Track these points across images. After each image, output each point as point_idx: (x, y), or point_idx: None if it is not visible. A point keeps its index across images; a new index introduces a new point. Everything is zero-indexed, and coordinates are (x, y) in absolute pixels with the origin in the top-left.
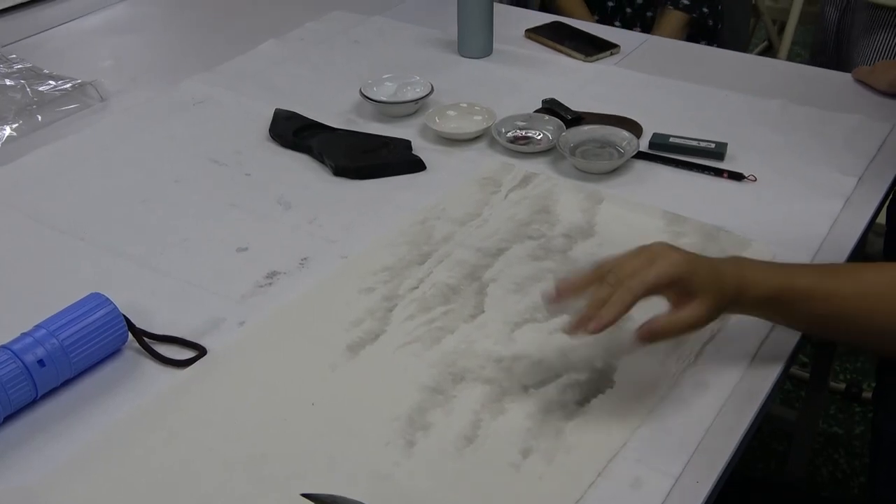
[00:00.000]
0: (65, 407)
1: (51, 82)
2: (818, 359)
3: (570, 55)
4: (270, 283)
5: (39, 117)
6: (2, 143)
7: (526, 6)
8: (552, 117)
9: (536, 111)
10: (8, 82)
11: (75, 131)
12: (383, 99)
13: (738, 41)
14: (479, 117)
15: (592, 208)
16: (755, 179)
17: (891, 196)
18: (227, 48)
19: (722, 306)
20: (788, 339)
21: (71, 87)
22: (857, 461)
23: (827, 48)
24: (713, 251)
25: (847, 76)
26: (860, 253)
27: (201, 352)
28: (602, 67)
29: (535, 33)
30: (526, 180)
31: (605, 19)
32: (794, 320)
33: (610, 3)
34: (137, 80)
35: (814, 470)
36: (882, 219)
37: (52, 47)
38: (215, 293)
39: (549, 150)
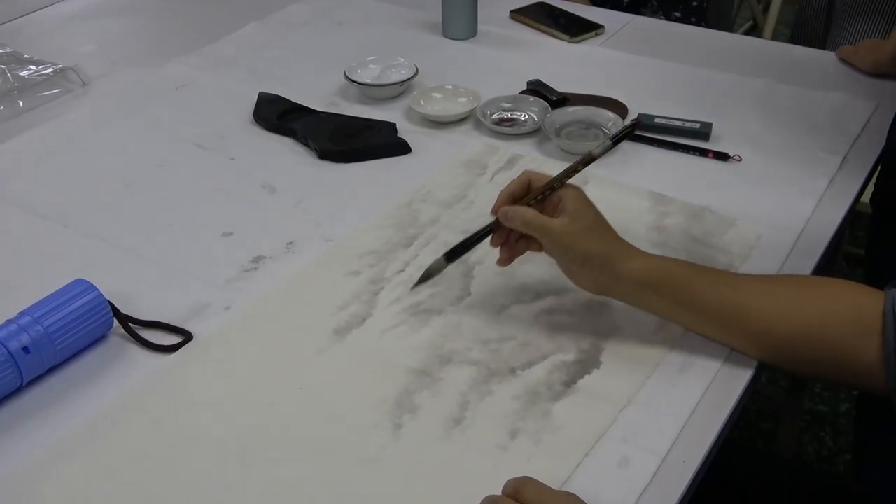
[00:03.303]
0: (50, 394)
1: (32, 67)
2: None
3: (554, 36)
4: (256, 268)
5: (21, 103)
6: None
7: None
8: (537, 99)
9: (521, 93)
10: None
11: (57, 116)
12: (368, 81)
13: (722, 21)
14: (464, 99)
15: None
16: (740, 159)
17: (876, 178)
18: (209, 31)
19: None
20: None
21: (52, 72)
22: (843, 438)
23: (811, 27)
24: (698, 231)
25: (831, 55)
26: (843, 232)
27: (187, 337)
28: (587, 48)
29: (519, 14)
30: (511, 162)
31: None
32: (664, 305)
33: None
34: (119, 65)
35: (800, 448)
36: (867, 197)
37: (32, 32)
38: (201, 278)
39: (534, 132)
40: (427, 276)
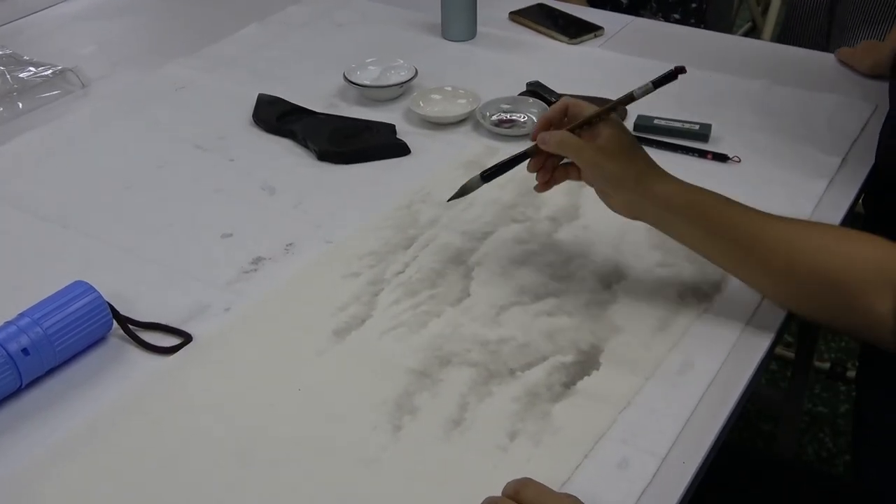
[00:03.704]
0: (50, 395)
1: (31, 69)
2: (803, 338)
3: (553, 38)
4: (256, 269)
5: (20, 104)
6: None
7: None
8: (536, 100)
9: (521, 94)
10: None
11: (57, 118)
12: (367, 83)
13: (721, 22)
14: (464, 101)
15: (577, 191)
16: (739, 160)
17: (868, 183)
18: (209, 32)
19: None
20: (774, 318)
21: (52, 73)
22: (843, 439)
23: (806, 28)
24: None
25: (830, 57)
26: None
27: (187, 338)
28: (586, 49)
29: (519, 16)
30: None
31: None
32: (693, 233)
33: None
34: (119, 66)
35: (800, 448)
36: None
37: (32, 33)
38: (200, 279)
39: None
40: (463, 192)
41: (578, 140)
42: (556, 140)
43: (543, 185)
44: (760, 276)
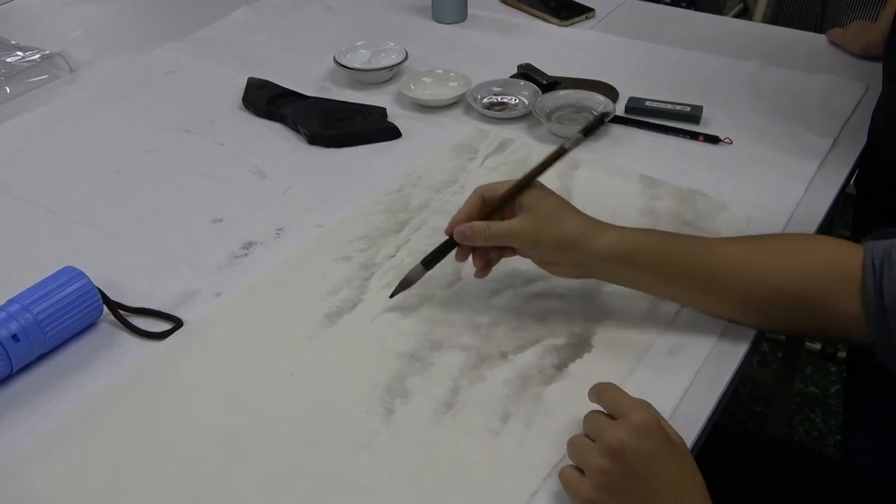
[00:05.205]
0: (40, 381)
1: (18, 53)
2: None
3: (545, 19)
4: (246, 254)
5: (7, 89)
6: None
7: None
8: (528, 83)
9: (512, 77)
10: None
11: (45, 103)
12: (357, 66)
13: (713, 3)
14: (455, 83)
15: (569, 173)
16: (731, 142)
17: (860, 163)
18: (198, 16)
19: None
20: None
21: (39, 58)
22: (833, 420)
23: (805, 8)
24: (689, 214)
25: (822, 38)
26: (834, 215)
27: (178, 324)
28: (577, 31)
29: None
30: (502, 146)
31: None
32: (644, 277)
33: None
34: (107, 50)
35: (791, 429)
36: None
37: (19, 18)
38: (191, 264)
39: (525, 116)
40: (406, 284)
41: (504, 225)
42: (480, 235)
43: (483, 271)
44: (723, 305)
